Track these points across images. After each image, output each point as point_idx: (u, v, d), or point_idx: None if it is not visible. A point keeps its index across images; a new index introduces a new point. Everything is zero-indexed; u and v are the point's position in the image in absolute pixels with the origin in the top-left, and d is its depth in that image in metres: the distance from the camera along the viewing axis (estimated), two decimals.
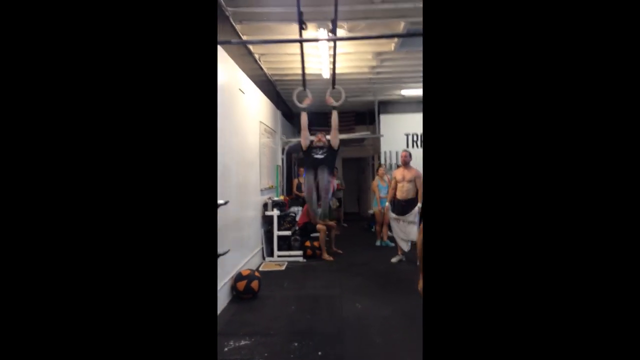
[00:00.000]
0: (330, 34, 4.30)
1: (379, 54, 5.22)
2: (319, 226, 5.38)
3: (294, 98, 3.52)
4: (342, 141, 3.71)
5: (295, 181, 7.26)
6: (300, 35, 3.28)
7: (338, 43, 4.04)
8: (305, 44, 4.54)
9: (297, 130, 8.97)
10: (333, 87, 3.40)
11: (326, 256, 5.30)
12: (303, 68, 3.34)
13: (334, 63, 3.34)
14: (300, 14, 3.17)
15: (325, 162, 3.61)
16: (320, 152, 3.63)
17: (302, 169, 7.40)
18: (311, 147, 3.65)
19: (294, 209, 6.01)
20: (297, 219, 5.70)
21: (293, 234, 5.43)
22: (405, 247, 4.82)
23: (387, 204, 5.14)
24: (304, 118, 3.48)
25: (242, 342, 2.73)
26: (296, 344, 2.69)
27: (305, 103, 3.45)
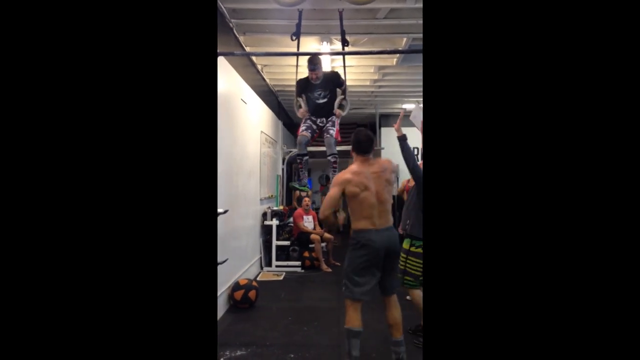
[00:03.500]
0: (332, 48, 4.36)
1: (381, 67, 5.27)
2: (312, 236, 5.36)
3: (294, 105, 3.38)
4: (342, 152, 3.52)
5: (297, 193, 7.23)
6: (298, 49, 3.32)
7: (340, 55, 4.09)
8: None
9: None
10: (344, 97, 3.26)
11: (324, 267, 5.28)
12: (297, 79, 3.34)
13: (344, 75, 3.35)
14: (298, 31, 3.23)
15: (331, 106, 3.16)
16: (321, 95, 3.16)
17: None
18: (308, 88, 3.14)
19: None
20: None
21: (291, 244, 5.43)
22: None
23: None
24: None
25: (238, 352, 2.72)
26: (292, 356, 2.68)
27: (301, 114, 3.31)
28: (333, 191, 2.24)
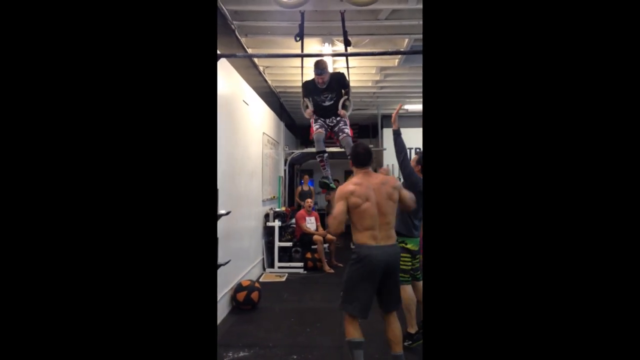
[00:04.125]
0: (333, 49, 4.37)
1: (382, 68, 5.28)
2: (315, 237, 5.36)
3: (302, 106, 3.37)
4: (337, 154, 3.44)
5: (299, 189, 7.23)
6: (302, 50, 3.32)
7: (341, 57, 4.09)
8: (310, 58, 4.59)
9: (300, 142, 9.02)
10: (347, 98, 3.25)
11: (327, 268, 5.28)
12: (302, 81, 3.35)
13: (348, 77, 3.33)
14: (302, 33, 3.23)
15: (336, 108, 3.17)
16: (327, 98, 3.19)
17: (306, 176, 7.38)
18: (315, 92, 3.14)
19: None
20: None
21: (294, 245, 5.43)
22: None
23: None
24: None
25: (241, 354, 2.72)
26: (295, 357, 2.68)
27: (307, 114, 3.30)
28: (339, 206, 2.23)
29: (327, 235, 5.50)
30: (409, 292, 2.79)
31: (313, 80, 3.20)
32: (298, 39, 3.24)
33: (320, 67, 3.11)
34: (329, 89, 3.17)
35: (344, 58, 3.55)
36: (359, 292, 2.23)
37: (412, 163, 2.92)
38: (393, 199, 2.29)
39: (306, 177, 7.32)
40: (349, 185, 2.29)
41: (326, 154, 3.41)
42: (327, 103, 3.21)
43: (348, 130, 3.26)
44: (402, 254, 2.75)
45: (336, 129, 3.30)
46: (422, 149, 7.71)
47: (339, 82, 3.20)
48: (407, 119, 8.12)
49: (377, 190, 2.26)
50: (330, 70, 5.06)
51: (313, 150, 3.43)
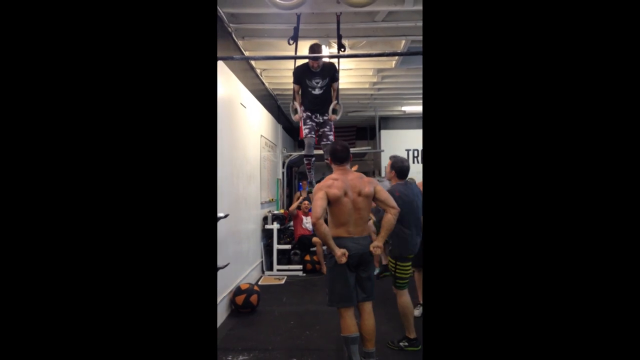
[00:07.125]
0: (330, 51, 4.37)
1: (380, 70, 5.28)
2: (314, 239, 5.36)
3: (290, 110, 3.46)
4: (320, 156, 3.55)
5: (297, 195, 7.21)
6: (296, 52, 3.33)
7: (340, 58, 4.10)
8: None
9: (297, 144, 9.02)
10: (337, 102, 3.35)
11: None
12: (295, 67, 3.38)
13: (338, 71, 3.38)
14: (296, 35, 3.25)
15: (326, 99, 3.25)
16: (318, 85, 3.24)
17: (305, 182, 7.37)
18: (307, 75, 3.21)
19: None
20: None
21: (293, 247, 5.42)
22: None
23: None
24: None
25: (240, 357, 2.71)
26: None
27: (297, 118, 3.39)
28: (318, 195, 2.32)
29: None
30: (404, 299, 2.80)
31: (306, 63, 3.26)
32: (292, 42, 3.26)
33: (316, 50, 3.19)
34: (321, 74, 3.25)
35: (340, 60, 3.57)
36: (341, 284, 2.35)
37: (387, 169, 2.95)
38: (367, 194, 2.36)
39: (304, 183, 7.32)
40: (327, 180, 2.39)
41: (314, 159, 3.47)
42: (318, 92, 3.27)
43: (332, 137, 3.40)
44: (404, 264, 2.78)
45: (320, 132, 3.39)
46: (420, 150, 7.63)
47: (330, 71, 3.29)
48: (405, 120, 8.15)
49: (353, 187, 2.35)
50: None
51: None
